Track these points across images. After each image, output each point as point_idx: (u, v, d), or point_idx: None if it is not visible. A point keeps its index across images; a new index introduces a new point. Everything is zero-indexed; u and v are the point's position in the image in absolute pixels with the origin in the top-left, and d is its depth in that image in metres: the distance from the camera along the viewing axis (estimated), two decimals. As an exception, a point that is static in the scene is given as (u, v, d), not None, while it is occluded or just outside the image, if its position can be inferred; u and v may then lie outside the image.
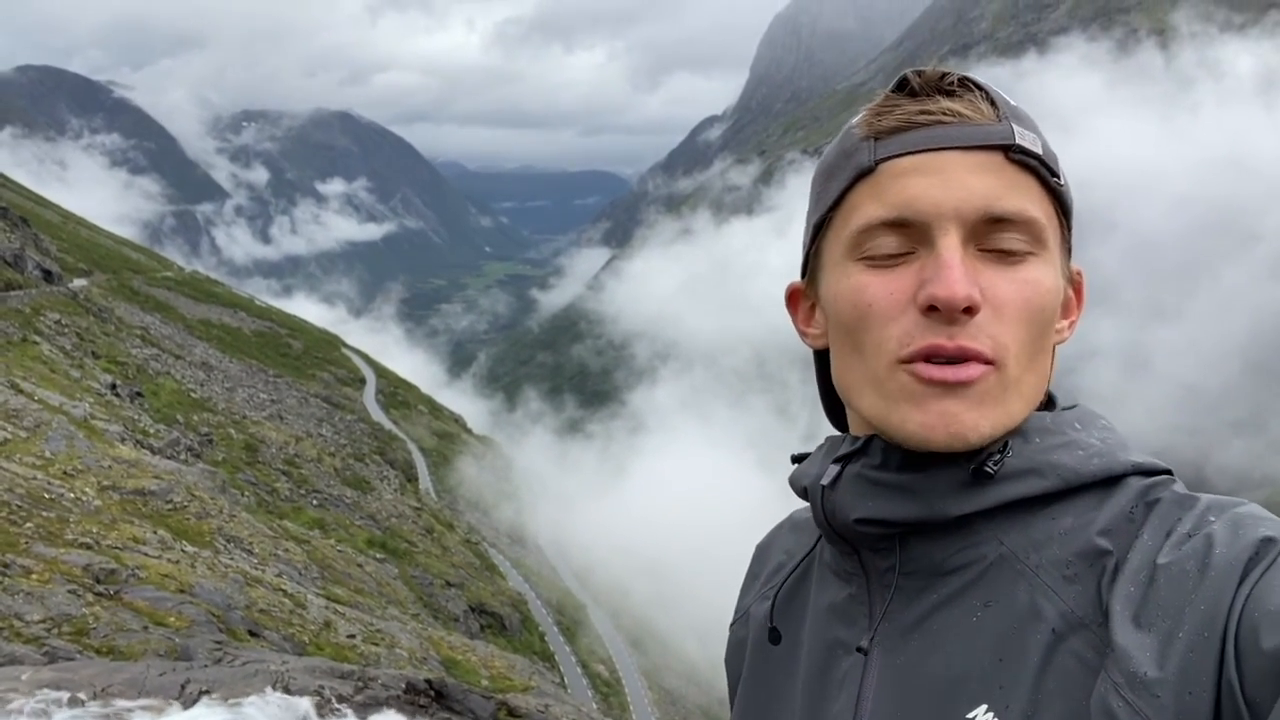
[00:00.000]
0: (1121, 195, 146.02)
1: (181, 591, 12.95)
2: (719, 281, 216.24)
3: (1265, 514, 0.70)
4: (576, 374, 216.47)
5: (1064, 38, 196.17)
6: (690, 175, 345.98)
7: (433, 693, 10.86)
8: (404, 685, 10.71)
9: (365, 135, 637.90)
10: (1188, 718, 0.62)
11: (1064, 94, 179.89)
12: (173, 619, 11.80)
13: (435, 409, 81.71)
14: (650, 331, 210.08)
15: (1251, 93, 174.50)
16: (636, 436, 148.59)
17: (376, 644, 16.60)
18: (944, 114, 0.77)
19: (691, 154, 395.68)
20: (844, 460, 0.83)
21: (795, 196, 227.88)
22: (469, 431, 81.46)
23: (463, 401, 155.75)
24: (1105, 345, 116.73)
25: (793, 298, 0.93)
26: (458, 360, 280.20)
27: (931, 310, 0.74)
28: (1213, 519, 0.70)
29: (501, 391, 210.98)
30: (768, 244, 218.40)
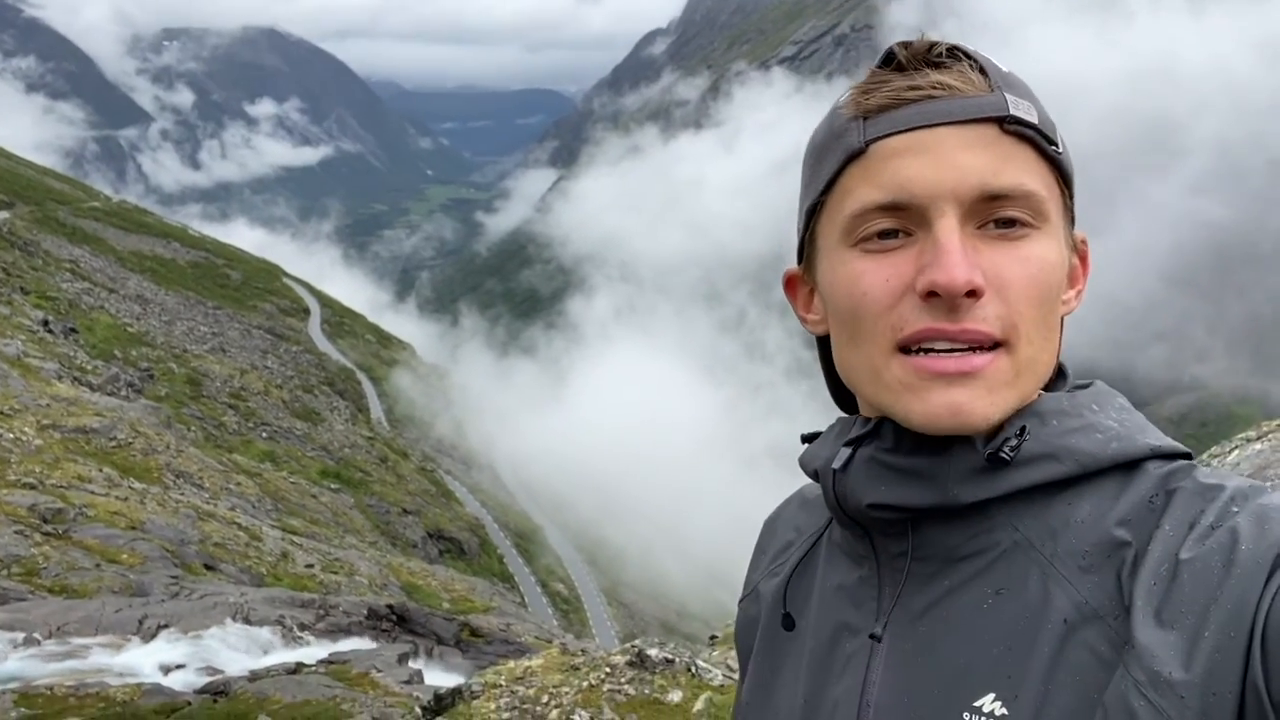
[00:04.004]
0: (1055, 109, 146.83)
1: (132, 528, 12.80)
2: (669, 199, 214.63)
3: None
4: (526, 299, 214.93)
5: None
6: (636, 90, 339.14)
7: (395, 617, 10.99)
8: (366, 611, 10.82)
9: (295, 53, 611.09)
10: (1211, 718, 0.61)
11: (1001, 4, 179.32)
12: (125, 556, 11.68)
13: (383, 337, 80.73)
14: (600, 253, 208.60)
15: (1181, 1, 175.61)
16: (583, 353, 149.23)
17: (336, 573, 16.68)
18: (933, 88, 0.75)
19: (636, 69, 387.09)
20: (855, 443, 0.81)
21: (743, 109, 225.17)
22: (418, 359, 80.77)
23: (409, 326, 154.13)
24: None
25: (790, 284, 0.91)
26: (404, 286, 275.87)
27: (932, 296, 0.72)
28: (1236, 510, 0.68)
29: (449, 315, 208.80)
30: (716, 158, 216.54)
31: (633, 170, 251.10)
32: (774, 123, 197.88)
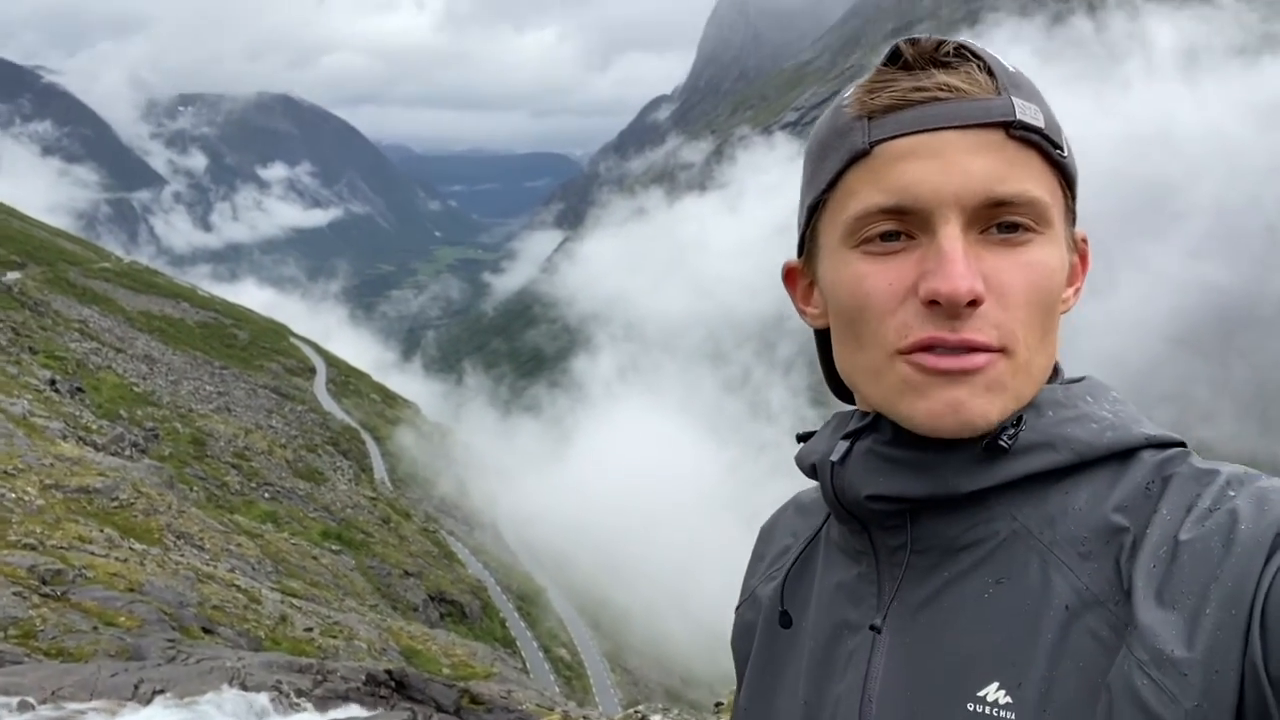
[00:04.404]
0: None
1: (131, 590, 12.69)
2: (673, 260, 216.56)
3: None
4: (531, 358, 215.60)
5: (998, 13, 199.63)
6: (641, 154, 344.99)
7: (393, 683, 10.81)
8: (364, 677, 10.65)
9: (308, 118, 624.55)
10: (1214, 696, 0.61)
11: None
12: (123, 618, 11.57)
13: (389, 397, 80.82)
14: (605, 313, 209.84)
15: (1175, 68, 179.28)
16: (587, 412, 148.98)
17: (335, 636, 16.46)
18: (940, 89, 0.74)
19: (641, 134, 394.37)
20: (854, 436, 0.81)
21: (746, 172, 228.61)
22: (422, 417, 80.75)
23: (414, 385, 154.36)
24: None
25: (790, 276, 0.91)
26: (410, 346, 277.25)
27: (933, 304, 0.72)
28: (1233, 494, 0.68)
29: (454, 374, 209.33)
30: (720, 220, 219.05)
31: (638, 231, 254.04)
32: (777, 185, 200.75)
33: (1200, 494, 0.70)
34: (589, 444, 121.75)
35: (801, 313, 0.90)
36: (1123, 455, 0.75)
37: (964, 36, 0.73)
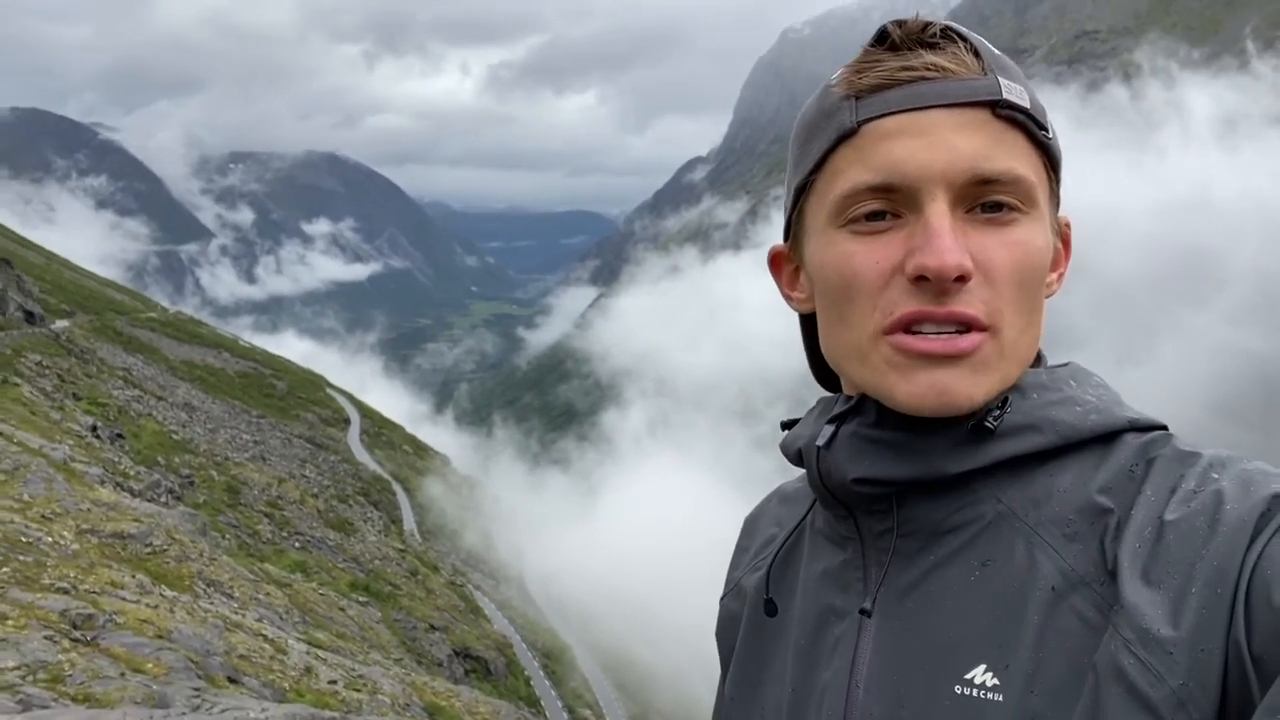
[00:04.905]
0: (1091, 239, 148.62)
1: (160, 637, 12.74)
2: (707, 318, 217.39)
3: (1273, 469, 0.69)
4: (563, 413, 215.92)
5: (1032, 81, 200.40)
6: (677, 213, 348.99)
7: (415, 739, 10.67)
8: (386, 732, 10.53)
9: (352, 176, 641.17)
10: (1200, 675, 0.61)
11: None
12: (150, 665, 11.61)
13: (420, 449, 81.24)
14: (637, 369, 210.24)
15: (1212, 135, 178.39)
16: (616, 467, 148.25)
17: (358, 690, 16.35)
18: (927, 69, 0.74)
19: (677, 194, 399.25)
20: (839, 420, 0.81)
21: (780, 233, 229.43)
22: (452, 469, 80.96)
23: (445, 437, 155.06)
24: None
25: (775, 261, 0.91)
26: (443, 398, 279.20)
27: (921, 280, 0.72)
28: (1217, 475, 0.69)
29: (485, 428, 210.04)
30: (754, 278, 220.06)
31: (672, 289, 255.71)
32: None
33: (1184, 475, 0.70)
34: (617, 499, 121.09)
35: (787, 298, 0.90)
36: (1106, 438, 0.76)
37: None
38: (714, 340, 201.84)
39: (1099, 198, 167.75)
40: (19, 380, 30.91)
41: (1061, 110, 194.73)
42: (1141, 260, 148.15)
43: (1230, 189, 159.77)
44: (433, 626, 36.69)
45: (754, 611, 0.94)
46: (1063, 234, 0.83)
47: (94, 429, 30.78)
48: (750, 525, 1.06)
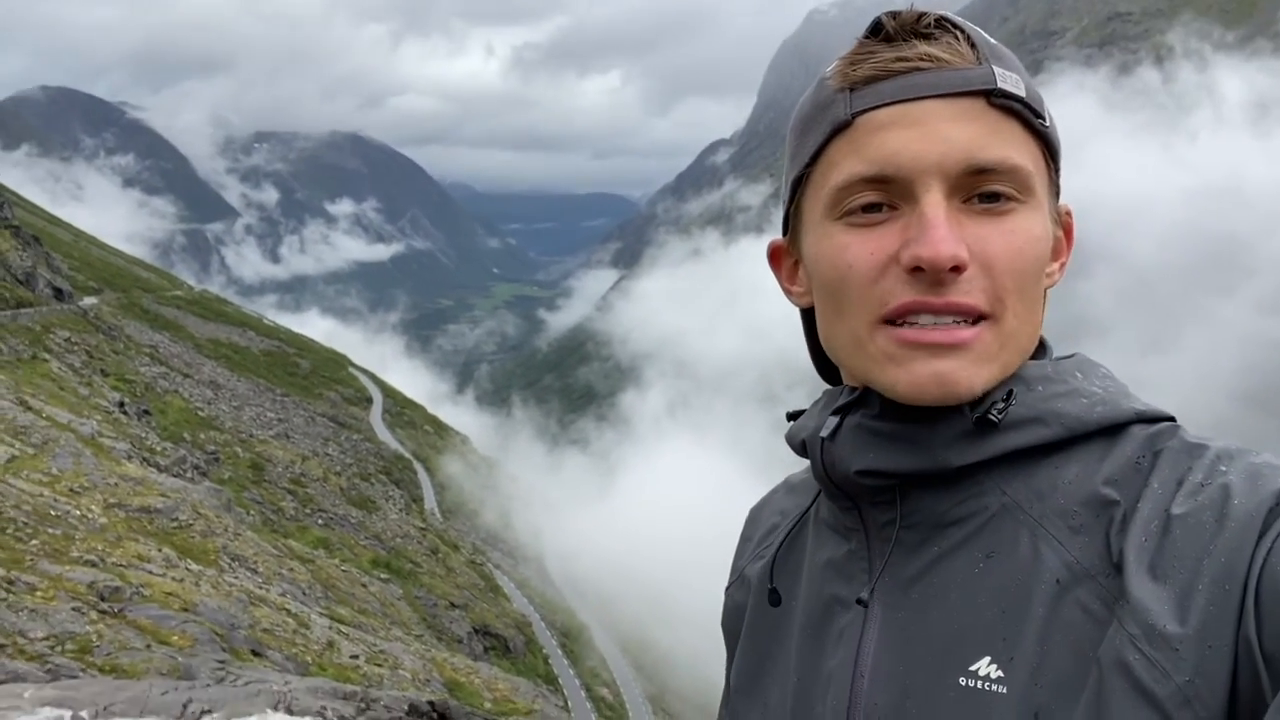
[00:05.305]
0: (1118, 225, 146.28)
1: (185, 610, 12.91)
2: (728, 301, 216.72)
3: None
4: (582, 394, 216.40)
5: (1062, 63, 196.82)
6: (699, 196, 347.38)
7: (435, 714, 10.77)
8: (406, 707, 10.63)
9: (376, 157, 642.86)
10: (1207, 672, 0.61)
11: (1062, 121, 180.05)
12: (176, 638, 11.76)
13: (441, 429, 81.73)
14: (658, 352, 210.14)
15: (1245, 120, 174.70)
16: (634, 448, 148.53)
17: (379, 665, 16.52)
18: (921, 60, 0.74)
19: (699, 176, 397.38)
20: (843, 411, 0.81)
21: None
22: (472, 449, 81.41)
23: (466, 418, 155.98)
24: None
25: (775, 255, 0.91)
26: (464, 379, 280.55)
27: (917, 270, 0.72)
28: (1225, 468, 0.68)
29: (505, 408, 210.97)
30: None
31: (693, 272, 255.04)
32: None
33: (1191, 468, 0.69)
34: (635, 480, 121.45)
35: (787, 292, 0.90)
36: (1113, 430, 0.75)
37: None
38: (735, 324, 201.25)
39: (1128, 183, 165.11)
40: (48, 356, 31.31)
41: (1091, 93, 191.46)
42: (1169, 247, 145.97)
43: (1262, 175, 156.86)
44: (453, 604, 37.01)
45: (758, 601, 0.94)
46: (1064, 223, 0.82)
47: (121, 405, 31.16)
48: (754, 516, 1.06)
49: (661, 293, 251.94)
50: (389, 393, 79.48)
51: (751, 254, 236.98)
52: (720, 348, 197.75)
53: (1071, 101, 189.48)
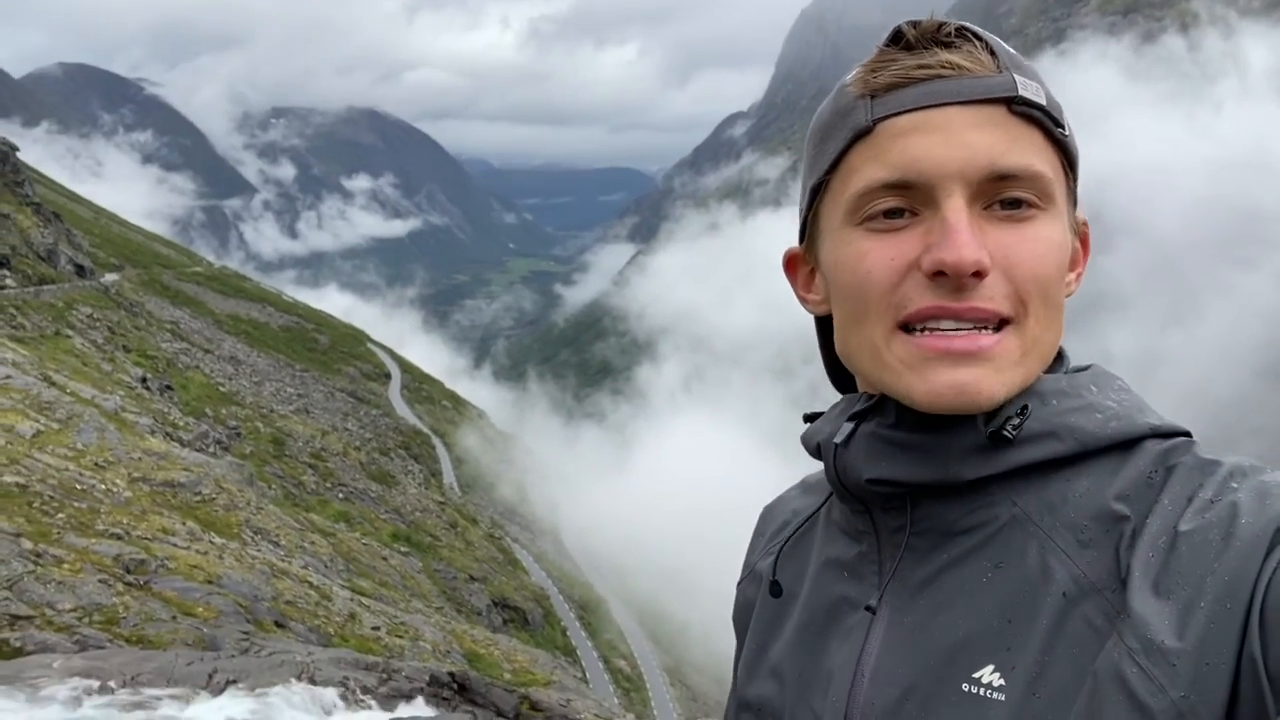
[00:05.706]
0: (1141, 198, 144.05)
1: (209, 582, 13.11)
2: (745, 275, 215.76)
3: None
4: (599, 370, 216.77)
5: (1084, 31, 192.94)
6: (716, 170, 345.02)
7: (456, 685, 10.93)
8: (428, 678, 10.79)
9: (392, 132, 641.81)
10: (1204, 688, 0.61)
11: (1085, 91, 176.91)
12: (201, 609, 11.96)
13: (459, 404, 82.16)
14: (674, 326, 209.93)
15: (1271, 89, 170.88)
16: (650, 422, 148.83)
17: (401, 636, 16.74)
18: (942, 67, 0.74)
19: (717, 149, 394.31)
20: (858, 418, 0.81)
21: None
22: (489, 424, 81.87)
23: (483, 392, 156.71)
24: (1121, 351, 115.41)
25: (791, 263, 0.91)
26: (481, 354, 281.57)
27: (939, 275, 0.71)
28: (1235, 485, 0.68)
29: (522, 383, 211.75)
30: (794, 236, 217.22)
31: (710, 246, 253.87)
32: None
33: (1202, 484, 0.69)
34: (651, 454, 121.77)
35: (802, 300, 0.90)
36: (1127, 444, 0.75)
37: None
38: (752, 298, 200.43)
39: (1151, 154, 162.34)
40: (71, 332, 31.63)
41: (1115, 62, 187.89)
42: (1192, 219, 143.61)
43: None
44: (472, 577, 37.40)
45: (765, 595, 0.95)
46: (1081, 233, 0.82)
47: (144, 380, 31.50)
48: (768, 513, 1.07)
49: (678, 267, 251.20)
50: (407, 368, 79.89)
51: (768, 228, 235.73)
52: (736, 322, 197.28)
53: (1094, 71, 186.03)
